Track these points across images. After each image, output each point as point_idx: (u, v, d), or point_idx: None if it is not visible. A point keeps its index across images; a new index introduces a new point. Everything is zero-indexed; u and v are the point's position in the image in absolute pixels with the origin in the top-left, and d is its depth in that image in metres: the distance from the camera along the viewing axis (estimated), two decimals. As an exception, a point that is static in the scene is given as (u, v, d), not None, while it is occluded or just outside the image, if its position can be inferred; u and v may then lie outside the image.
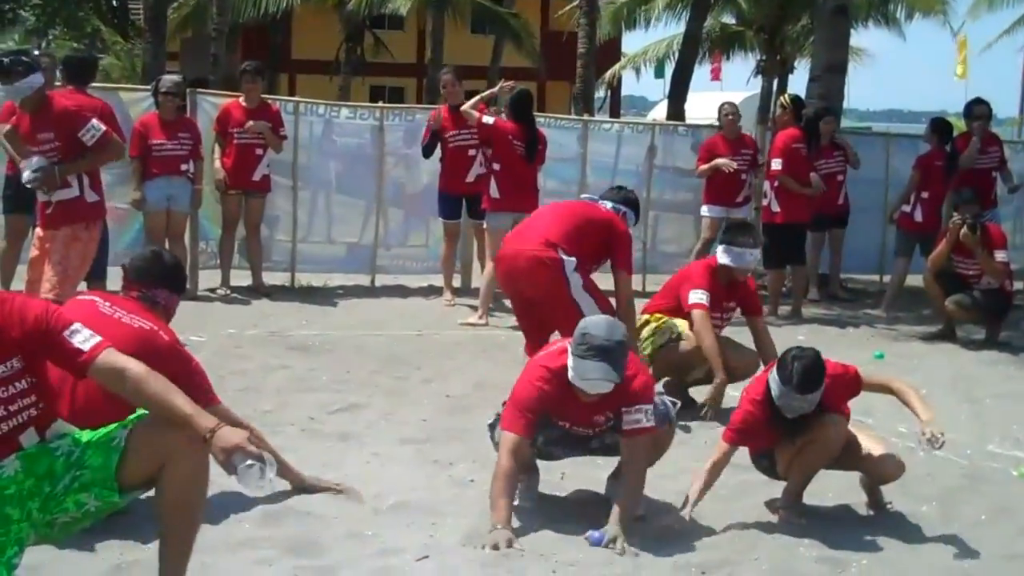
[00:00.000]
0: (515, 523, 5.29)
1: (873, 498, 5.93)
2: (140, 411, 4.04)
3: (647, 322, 7.99)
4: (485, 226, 11.37)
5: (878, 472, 5.78)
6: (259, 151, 11.75)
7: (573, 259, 7.48)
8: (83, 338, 3.85)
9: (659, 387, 5.82)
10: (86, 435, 4.05)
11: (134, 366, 3.87)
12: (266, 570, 4.76)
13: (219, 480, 4.43)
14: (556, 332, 7.41)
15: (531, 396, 5.34)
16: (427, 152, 11.97)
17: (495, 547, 4.97)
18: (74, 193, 7.76)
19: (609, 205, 7.91)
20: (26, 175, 7.85)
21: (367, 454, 6.45)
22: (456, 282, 12.49)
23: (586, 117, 15.24)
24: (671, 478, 6.34)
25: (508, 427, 5.31)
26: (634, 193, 8.36)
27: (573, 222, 7.67)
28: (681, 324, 7.88)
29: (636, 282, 13.55)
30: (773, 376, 5.52)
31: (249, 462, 3.70)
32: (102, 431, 4.02)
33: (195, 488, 3.97)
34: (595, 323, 5.40)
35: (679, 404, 5.94)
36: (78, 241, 7.69)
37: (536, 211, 8.26)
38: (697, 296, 7.83)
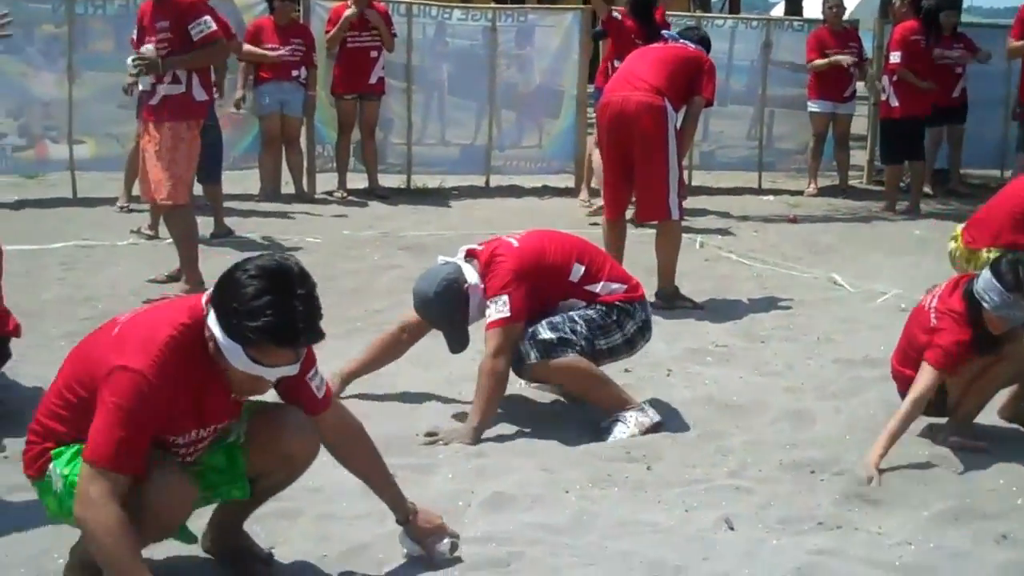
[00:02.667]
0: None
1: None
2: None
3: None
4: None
5: None
6: (374, 53, 11.52)
7: (673, 110, 7.35)
8: (320, 383, 3.64)
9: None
10: None
11: (356, 423, 3.79)
12: (364, 468, 4.59)
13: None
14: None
15: None
16: (599, 35, 11.46)
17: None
18: (181, 89, 7.55)
19: (692, 46, 7.67)
20: (131, 59, 7.69)
21: (472, 352, 6.24)
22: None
23: (699, 13, 14.76)
24: (779, 375, 6.08)
25: None
26: (705, 31, 8.18)
27: (670, 66, 7.46)
28: None
29: (752, 180, 13.28)
30: (986, 287, 4.82)
31: (445, 541, 3.80)
32: None
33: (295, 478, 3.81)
34: None
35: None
36: (182, 142, 7.49)
37: (631, 57, 7.89)
38: None
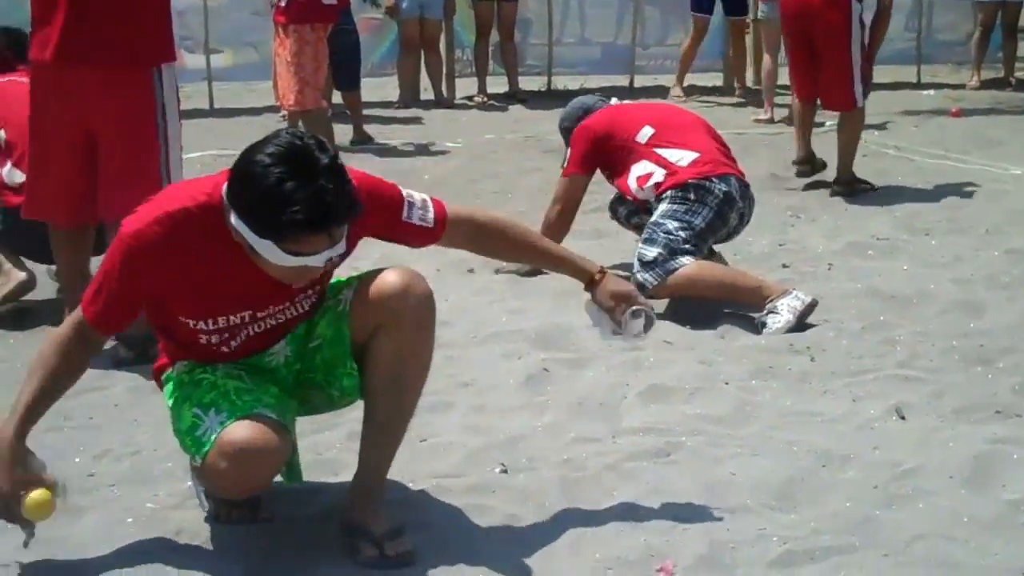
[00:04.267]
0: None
1: None
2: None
3: None
4: (760, 16, 10.77)
5: None
6: None
7: (858, 4, 7.41)
8: (423, 213, 3.23)
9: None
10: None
11: (484, 215, 3.41)
12: (515, 363, 4.57)
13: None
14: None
15: None
16: None
17: None
18: None
19: None
20: None
21: (619, 252, 6.18)
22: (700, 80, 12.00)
23: None
24: (946, 267, 5.90)
25: None
26: None
27: None
28: None
29: (910, 74, 12.91)
30: None
31: (635, 309, 3.37)
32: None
33: (413, 360, 3.18)
34: None
35: None
36: (307, 45, 7.51)
37: None
38: None
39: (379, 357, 3.15)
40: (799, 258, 6.10)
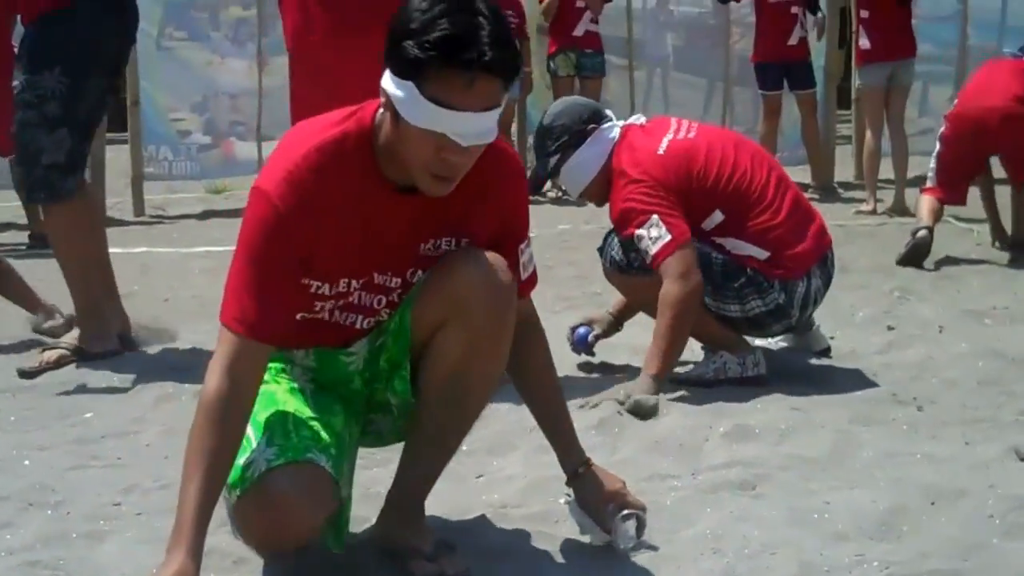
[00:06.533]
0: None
1: None
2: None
3: None
4: (858, 84, 10.84)
5: None
6: (579, 3, 11.51)
7: None
8: (529, 260, 3.09)
9: None
10: None
11: (540, 328, 3.20)
12: (588, 410, 4.50)
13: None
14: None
15: None
16: None
17: None
18: None
19: None
20: None
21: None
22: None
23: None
24: None
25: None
26: None
27: None
28: None
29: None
30: None
31: (626, 512, 3.18)
32: None
33: (482, 364, 2.95)
34: None
35: None
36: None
37: (983, 71, 8.23)
38: None
39: (440, 356, 2.93)
40: (907, 322, 6.03)
